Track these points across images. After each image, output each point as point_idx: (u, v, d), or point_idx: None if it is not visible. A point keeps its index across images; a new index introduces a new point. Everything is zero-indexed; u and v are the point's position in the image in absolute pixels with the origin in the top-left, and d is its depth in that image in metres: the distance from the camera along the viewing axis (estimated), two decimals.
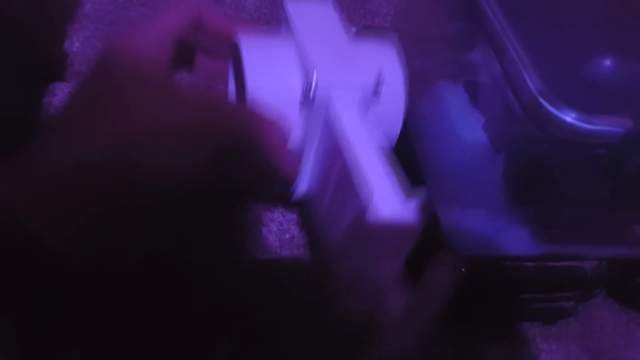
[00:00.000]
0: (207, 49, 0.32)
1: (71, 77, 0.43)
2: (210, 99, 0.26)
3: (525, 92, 0.21)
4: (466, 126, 0.31)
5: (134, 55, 0.25)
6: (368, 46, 0.30)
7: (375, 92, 0.27)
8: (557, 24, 0.22)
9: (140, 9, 0.48)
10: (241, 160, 0.29)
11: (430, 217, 0.32)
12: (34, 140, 0.23)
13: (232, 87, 0.33)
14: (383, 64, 0.29)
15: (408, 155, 0.34)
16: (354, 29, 0.31)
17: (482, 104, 0.28)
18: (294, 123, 0.28)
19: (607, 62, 0.19)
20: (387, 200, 0.22)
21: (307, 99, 0.26)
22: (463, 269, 0.32)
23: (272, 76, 0.28)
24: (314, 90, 0.26)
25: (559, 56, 0.21)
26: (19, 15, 0.40)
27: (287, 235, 0.37)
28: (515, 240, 0.31)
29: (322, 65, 0.27)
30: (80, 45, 0.45)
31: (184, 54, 0.30)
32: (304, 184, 0.31)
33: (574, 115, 0.20)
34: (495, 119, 0.27)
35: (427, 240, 0.32)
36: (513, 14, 0.23)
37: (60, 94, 0.41)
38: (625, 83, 0.20)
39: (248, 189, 0.39)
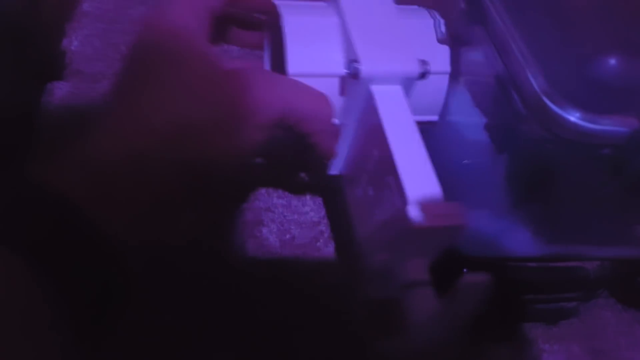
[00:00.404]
0: (242, 20, 0.32)
1: (70, 76, 0.43)
2: (258, 76, 0.25)
3: (530, 91, 0.20)
4: (468, 126, 0.31)
5: (174, 34, 0.25)
6: (416, 21, 0.29)
7: (422, 76, 0.26)
8: (560, 23, 0.22)
9: (140, 8, 0.48)
10: (285, 139, 0.29)
11: None
12: (86, 129, 0.23)
13: (266, 58, 0.32)
14: (430, 42, 0.28)
15: None
16: None
17: (484, 103, 0.28)
18: (334, 99, 0.27)
19: (612, 61, 0.19)
20: (426, 203, 0.21)
21: (350, 76, 0.26)
22: (465, 270, 0.31)
23: (314, 49, 0.27)
24: (357, 68, 0.25)
25: (562, 55, 0.21)
26: (17, 14, 0.40)
27: (287, 236, 0.37)
28: (518, 240, 0.30)
29: (367, 44, 0.26)
30: (79, 43, 0.45)
31: (220, 27, 0.30)
32: (339, 163, 0.31)
33: (578, 114, 0.20)
34: (497, 119, 0.26)
35: None
36: (516, 13, 0.23)
37: (58, 92, 0.41)
38: (630, 82, 0.20)
39: (285, 171, 0.39)
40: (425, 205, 0.21)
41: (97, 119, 0.23)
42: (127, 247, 0.21)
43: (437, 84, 0.28)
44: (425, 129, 0.32)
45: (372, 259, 0.25)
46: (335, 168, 0.31)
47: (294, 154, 0.32)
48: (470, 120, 0.30)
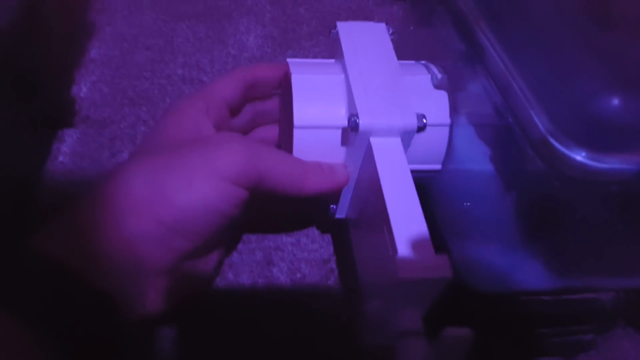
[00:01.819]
0: (257, 97, 0.34)
1: (79, 122, 0.43)
2: (230, 140, 0.27)
3: (535, 132, 0.21)
4: (473, 158, 0.31)
5: (175, 122, 0.28)
6: (416, 77, 0.31)
7: (420, 129, 0.27)
8: (560, 62, 0.22)
9: (146, 53, 0.49)
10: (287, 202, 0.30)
11: (442, 251, 0.32)
12: (83, 200, 0.25)
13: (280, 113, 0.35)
14: (429, 96, 0.30)
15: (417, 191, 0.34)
16: None
17: (488, 136, 0.28)
18: (338, 148, 0.29)
19: (615, 101, 0.19)
20: (415, 254, 0.22)
21: (350, 129, 0.27)
22: (479, 306, 0.31)
23: (318, 104, 0.29)
24: (357, 124, 0.26)
25: (564, 94, 0.21)
26: (26, 63, 0.41)
27: (298, 275, 0.36)
28: (531, 274, 0.30)
29: (367, 99, 0.27)
30: (87, 90, 0.46)
31: (236, 109, 0.33)
32: (344, 208, 0.32)
33: (584, 153, 0.20)
34: (502, 153, 0.26)
35: None
36: (515, 52, 0.23)
37: (68, 139, 0.42)
38: (635, 120, 0.20)
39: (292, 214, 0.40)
40: (413, 257, 0.22)
41: (93, 189, 0.25)
42: (130, 313, 0.23)
43: (438, 135, 0.30)
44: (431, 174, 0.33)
45: (370, 304, 0.25)
46: (341, 212, 0.32)
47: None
48: (474, 152, 0.30)
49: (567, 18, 0.23)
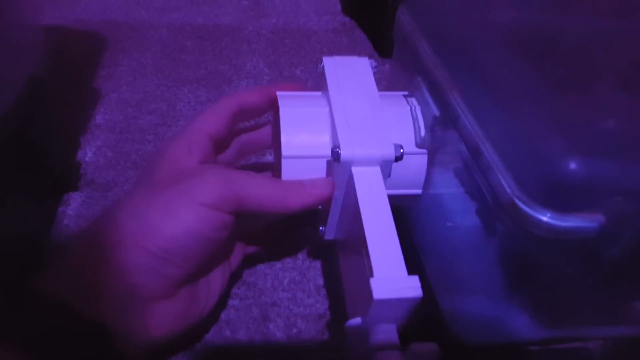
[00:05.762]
0: (247, 123, 0.36)
1: (84, 186, 0.45)
2: (212, 171, 0.29)
3: (503, 194, 0.22)
4: (460, 211, 0.32)
5: (163, 157, 0.30)
6: (396, 109, 0.33)
7: (398, 158, 0.30)
8: (524, 128, 0.24)
9: (149, 117, 0.52)
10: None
11: (431, 304, 0.33)
12: (76, 240, 0.27)
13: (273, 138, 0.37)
14: (409, 128, 0.32)
15: (404, 245, 0.35)
16: None
17: (472, 190, 0.30)
18: (324, 175, 0.31)
19: (572, 165, 0.21)
20: (389, 275, 0.25)
21: (333, 159, 0.29)
22: (469, 358, 0.32)
23: (305, 135, 0.31)
24: (339, 154, 0.29)
25: (529, 158, 0.23)
26: (34, 133, 0.43)
27: (294, 330, 0.37)
28: (517, 324, 0.31)
29: (349, 132, 0.30)
30: (92, 154, 0.48)
31: (224, 143, 0.34)
32: (332, 230, 0.34)
33: (549, 214, 0.21)
34: (477, 210, 0.28)
35: (429, 328, 0.33)
36: (485, 119, 0.25)
37: (73, 203, 0.44)
38: (592, 181, 0.22)
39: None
40: (388, 279, 0.24)
41: (85, 230, 0.28)
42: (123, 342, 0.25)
43: (417, 163, 0.32)
44: (417, 216, 0.34)
45: (350, 324, 0.27)
46: (330, 233, 0.34)
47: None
48: (460, 205, 0.32)
49: (531, 87, 0.26)
